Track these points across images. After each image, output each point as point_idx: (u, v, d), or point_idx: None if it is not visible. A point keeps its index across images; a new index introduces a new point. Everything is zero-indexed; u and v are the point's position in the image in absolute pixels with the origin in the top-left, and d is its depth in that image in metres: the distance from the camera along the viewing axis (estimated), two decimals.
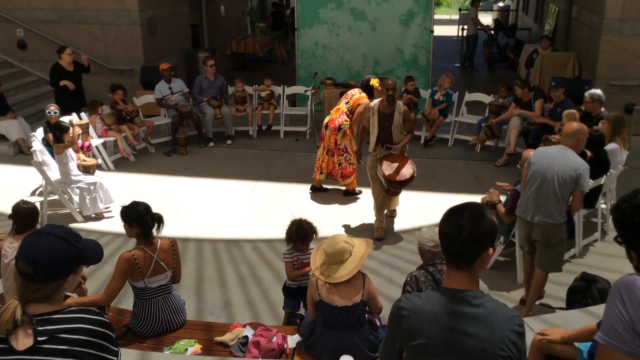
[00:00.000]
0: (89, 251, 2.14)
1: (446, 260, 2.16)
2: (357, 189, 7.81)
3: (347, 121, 7.43)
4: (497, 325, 2.04)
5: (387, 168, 6.37)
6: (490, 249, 2.10)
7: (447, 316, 2.06)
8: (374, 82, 7.47)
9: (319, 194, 7.87)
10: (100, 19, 11.09)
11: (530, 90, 8.81)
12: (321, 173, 7.73)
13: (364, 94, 7.49)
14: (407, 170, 6.37)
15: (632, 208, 2.06)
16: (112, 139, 8.89)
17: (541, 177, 4.74)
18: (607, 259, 6.00)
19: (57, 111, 7.84)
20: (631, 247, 2.11)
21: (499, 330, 2.03)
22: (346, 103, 7.52)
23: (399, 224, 7.00)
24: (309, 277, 4.29)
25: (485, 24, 16.73)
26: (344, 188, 7.83)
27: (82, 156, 7.40)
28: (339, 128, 7.43)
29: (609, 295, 2.03)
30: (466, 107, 10.11)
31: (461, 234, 2.05)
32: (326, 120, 7.63)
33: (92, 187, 6.99)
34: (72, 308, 2.01)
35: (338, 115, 7.49)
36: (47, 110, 7.87)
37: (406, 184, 6.42)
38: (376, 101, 6.61)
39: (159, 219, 4.19)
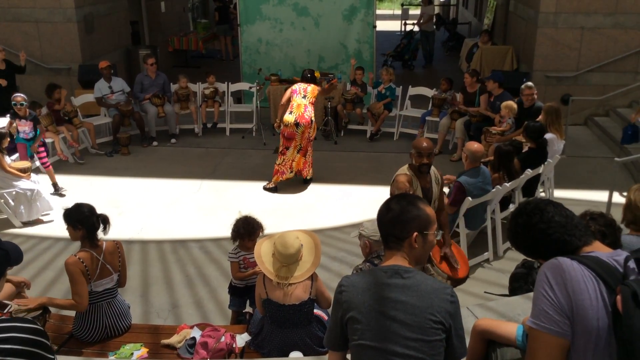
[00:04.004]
0: (11, 252, 2.06)
1: (382, 242, 2.40)
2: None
3: (312, 113, 7.65)
4: (427, 293, 2.19)
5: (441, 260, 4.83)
6: (416, 233, 2.28)
7: (379, 286, 2.24)
8: (317, 73, 7.87)
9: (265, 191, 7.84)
10: (35, 17, 10.69)
11: (477, 82, 9.00)
12: (291, 172, 7.77)
13: (312, 85, 7.73)
14: (462, 267, 4.88)
15: (523, 217, 2.22)
16: (50, 140, 8.58)
17: None
18: None
19: (24, 102, 7.60)
20: (538, 257, 2.27)
21: (428, 298, 2.18)
22: (304, 97, 7.56)
23: (346, 218, 7.03)
24: (255, 276, 4.26)
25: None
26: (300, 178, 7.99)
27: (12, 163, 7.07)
28: (311, 121, 7.59)
29: (536, 281, 2.08)
30: (410, 101, 10.25)
31: (388, 215, 2.34)
32: (291, 119, 7.49)
33: (28, 193, 6.74)
34: (3, 317, 1.94)
35: (303, 110, 7.51)
36: (13, 102, 7.56)
37: (460, 282, 4.87)
38: (404, 169, 5.01)
39: (104, 220, 4.10)
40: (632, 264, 2.00)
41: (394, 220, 2.31)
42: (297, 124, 7.51)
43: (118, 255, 4.15)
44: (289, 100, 7.63)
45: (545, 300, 2.00)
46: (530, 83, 7.80)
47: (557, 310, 1.97)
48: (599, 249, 2.11)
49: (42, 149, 7.86)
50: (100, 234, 4.11)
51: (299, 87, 7.69)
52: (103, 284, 4.05)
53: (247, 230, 4.36)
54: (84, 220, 4.00)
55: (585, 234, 2.15)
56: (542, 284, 2.04)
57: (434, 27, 15.68)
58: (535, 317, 2.03)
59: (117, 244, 4.19)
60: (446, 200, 5.70)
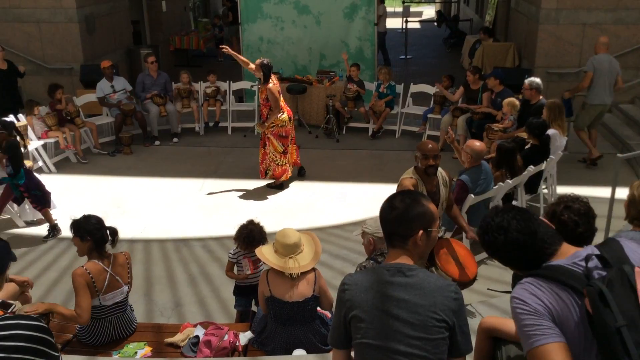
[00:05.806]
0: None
1: (385, 240, 2.36)
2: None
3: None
4: (430, 292, 2.17)
5: (447, 262, 4.51)
6: (422, 231, 2.24)
7: (382, 285, 2.22)
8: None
9: (267, 189, 7.85)
10: (36, 17, 10.71)
11: (480, 79, 8.98)
12: (290, 167, 7.87)
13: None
14: (469, 269, 4.54)
15: (495, 228, 2.18)
16: (52, 140, 8.60)
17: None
18: None
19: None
20: (514, 269, 2.30)
21: (432, 296, 2.16)
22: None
23: (348, 216, 7.02)
24: (259, 275, 4.27)
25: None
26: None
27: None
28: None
29: (512, 309, 2.05)
30: (412, 99, 10.24)
31: (392, 213, 2.29)
32: (286, 118, 7.59)
33: None
34: (7, 315, 1.94)
35: (285, 105, 7.72)
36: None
37: (468, 285, 4.60)
38: (410, 173, 4.94)
39: (114, 232, 4.03)
40: (592, 262, 2.01)
41: (399, 219, 2.26)
42: (289, 120, 7.69)
43: (127, 267, 4.09)
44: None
45: (529, 317, 1.98)
46: (537, 82, 7.69)
47: (545, 319, 1.97)
48: (563, 255, 2.10)
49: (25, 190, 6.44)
50: (108, 246, 4.04)
51: (278, 86, 7.63)
52: (113, 298, 3.97)
53: (246, 242, 4.40)
54: (93, 232, 3.91)
55: (552, 244, 2.12)
56: (518, 307, 2.02)
57: (386, 28, 15.05)
58: (529, 339, 1.99)
59: (127, 256, 4.13)
60: None
